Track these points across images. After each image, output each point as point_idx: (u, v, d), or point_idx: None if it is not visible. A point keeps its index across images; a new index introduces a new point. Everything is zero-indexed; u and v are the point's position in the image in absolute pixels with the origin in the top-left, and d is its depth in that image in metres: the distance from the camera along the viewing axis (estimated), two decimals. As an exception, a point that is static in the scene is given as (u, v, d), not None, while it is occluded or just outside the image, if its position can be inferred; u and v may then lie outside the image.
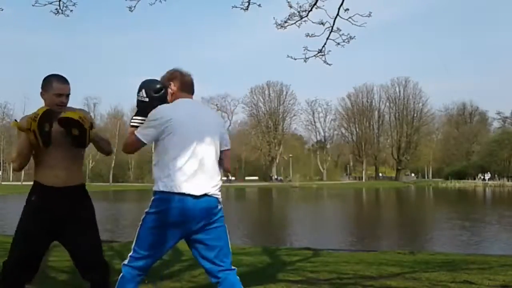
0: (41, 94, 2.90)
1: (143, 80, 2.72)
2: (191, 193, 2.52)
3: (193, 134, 2.59)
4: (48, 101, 2.87)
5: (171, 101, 2.71)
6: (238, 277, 2.68)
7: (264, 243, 12.16)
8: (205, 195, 2.56)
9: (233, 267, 2.69)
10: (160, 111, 2.58)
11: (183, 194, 2.50)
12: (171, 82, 2.72)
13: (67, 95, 2.89)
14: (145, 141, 2.58)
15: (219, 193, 2.66)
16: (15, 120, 2.80)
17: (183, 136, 2.56)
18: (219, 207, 2.64)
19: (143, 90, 2.66)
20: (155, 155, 2.61)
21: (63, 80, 2.90)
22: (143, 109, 2.66)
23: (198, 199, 2.54)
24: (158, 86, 2.69)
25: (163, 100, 2.68)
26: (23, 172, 74.55)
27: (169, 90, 2.72)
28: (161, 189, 2.53)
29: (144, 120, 2.63)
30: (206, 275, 2.74)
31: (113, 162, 73.85)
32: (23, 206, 2.90)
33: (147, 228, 2.56)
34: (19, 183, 69.72)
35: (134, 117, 2.69)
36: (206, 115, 2.75)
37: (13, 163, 2.85)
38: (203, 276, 4.80)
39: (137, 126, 2.64)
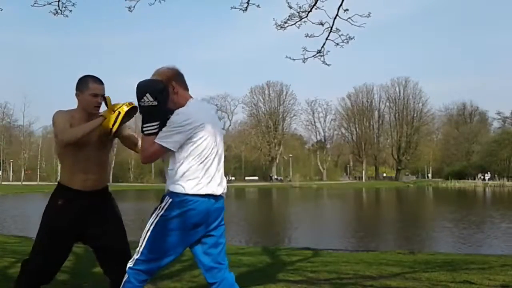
0: (77, 95, 2.89)
1: (140, 82, 2.52)
2: (214, 193, 2.54)
3: (214, 137, 2.57)
4: (84, 102, 2.86)
5: (178, 101, 2.58)
6: (235, 281, 2.67)
7: (264, 243, 12.16)
8: (220, 195, 2.60)
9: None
10: (187, 116, 2.48)
11: (206, 195, 2.51)
12: (173, 82, 2.59)
13: (103, 96, 2.88)
14: (173, 149, 2.47)
15: None
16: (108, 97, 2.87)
17: (209, 140, 2.53)
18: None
19: (148, 94, 2.46)
20: (175, 159, 2.51)
21: (99, 80, 2.90)
22: (154, 114, 2.48)
23: (217, 200, 2.57)
24: (161, 85, 2.52)
25: (168, 98, 2.56)
26: (23, 172, 74.77)
27: (171, 90, 2.58)
28: (184, 191, 2.48)
29: (158, 125, 2.48)
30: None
31: (113, 162, 73.81)
32: (47, 210, 2.86)
33: (163, 231, 2.50)
34: (19, 183, 69.76)
35: (146, 125, 2.49)
36: (215, 116, 2.75)
37: (71, 135, 2.75)
38: (203, 276, 4.80)
39: (153, 133, 2.48)
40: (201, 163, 2.50)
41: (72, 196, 2.81)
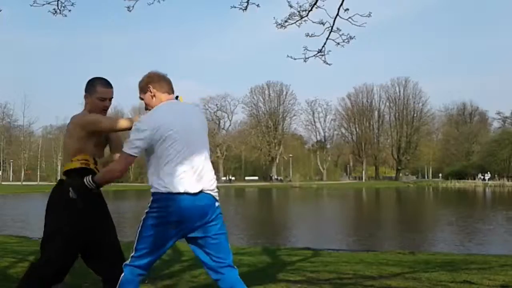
0: (85, 97, 2.90)
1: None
2: (188, 191, 2.55)
3: (181, 135, 2.59)
4: (91, 105, 2.86)
5: (154, 104, 2.71)
6: (239, 277, 2.70)
7: (264, 243, 12.17)
8: (201, 192, 2.59)
9: (235, 266, 2.70)
10: (147, 123, 2.57)
11: (180, 193, 2.54)
12: (150, 85, 2.71)
13: (110, 99, 2.89)
14: (137, 155, 2.60)
15: (216, 189, 2.69)
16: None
17: (174, 139, 2.56)
18: (216, 204, 2.66)
19: (70, 189, 2.75)
20: (149, 162, 2.62)
21: (107, 83, 2.90)
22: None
23: (195, 196, 2.57)
24: (80, 181, 2.74)
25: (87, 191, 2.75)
26: (23, 172, 74.81)
27: (149, 93, 2.72)
28: (160, 190, 2.55)
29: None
30: (206, 275, 2.75)
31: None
32: (65, 213, 2.81)
33: (148, 228, 2.59)
34: (19, 183, 69.79)
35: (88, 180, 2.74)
36: (190, 114, 2.74)
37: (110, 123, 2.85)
38: (203, 276, 4.80)
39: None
40: (168, 163, 2.55)
41: (88, 196, 2.82)
